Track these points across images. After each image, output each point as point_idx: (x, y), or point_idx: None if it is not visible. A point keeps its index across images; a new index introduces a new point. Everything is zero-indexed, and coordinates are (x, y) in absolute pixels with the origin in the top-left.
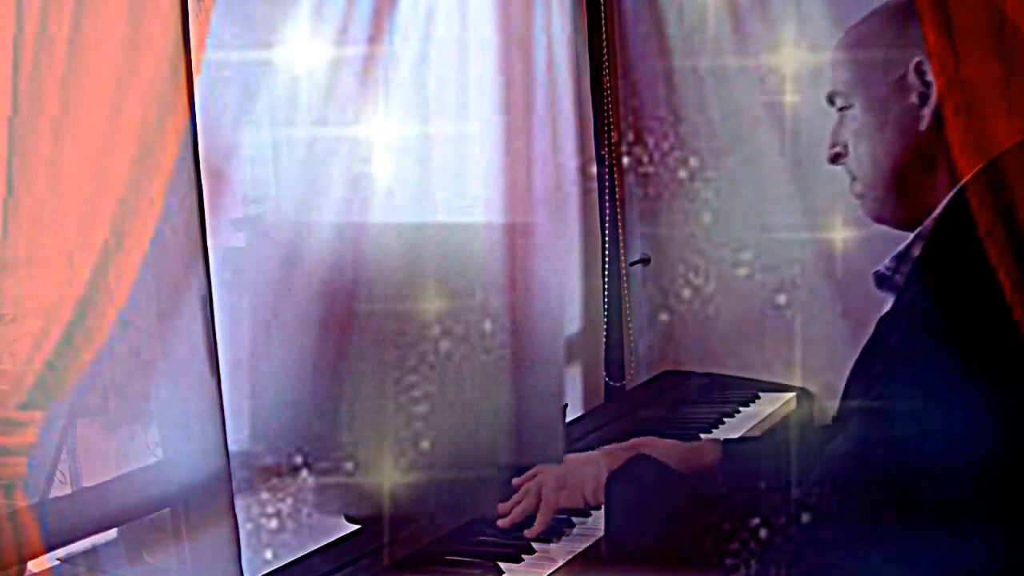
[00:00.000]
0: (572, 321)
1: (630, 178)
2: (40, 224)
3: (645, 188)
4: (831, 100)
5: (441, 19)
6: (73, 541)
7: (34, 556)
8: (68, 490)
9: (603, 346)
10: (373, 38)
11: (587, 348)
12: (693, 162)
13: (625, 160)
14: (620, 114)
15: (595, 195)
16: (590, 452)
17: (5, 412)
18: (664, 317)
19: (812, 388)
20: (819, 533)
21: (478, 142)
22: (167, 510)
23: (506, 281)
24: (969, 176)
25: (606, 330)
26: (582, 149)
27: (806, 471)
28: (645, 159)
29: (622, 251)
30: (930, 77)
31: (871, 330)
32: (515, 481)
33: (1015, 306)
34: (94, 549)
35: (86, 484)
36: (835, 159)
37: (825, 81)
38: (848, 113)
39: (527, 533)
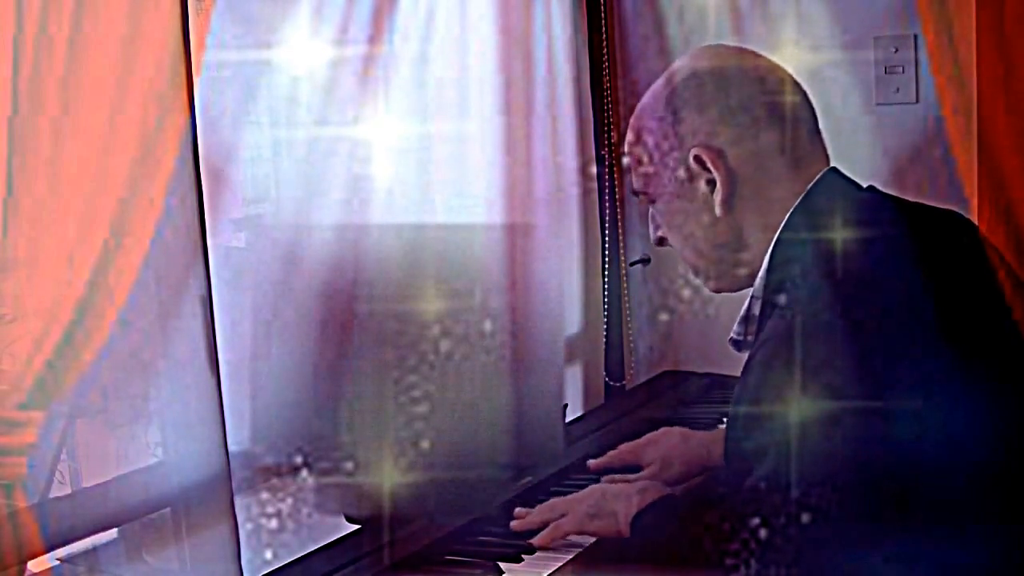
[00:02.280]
0: (572, 321)
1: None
2: (40, 224)
3: None
4: (635, 194)
5: (441, 19)
6: (73, 541)
7: (34, 556)
8: (68, 490)
9: (603, 346)
10: (373, 38)
11: (587, 348)
12: None
13: (625, 160)
14: (620, 114)
15: (595, 195)
16: (624, 485)
17: (5, 412)
18: (664, 317)
19: None
20: (819, 533)
21: (478, 142)
22: (167, 510)
23: (506, 281)
24: (778, 231)
25: (606, 330)
26: (582, 149)
27: (806, 471)
28: None
29: (622, 251)
30: (710, 166)
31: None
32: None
33: (1015, 306)
34: (94, 549)
35: (86, 484)
36: (660, 242)
37: (825, 81)
38: (654, 208)
39: (534, 541)
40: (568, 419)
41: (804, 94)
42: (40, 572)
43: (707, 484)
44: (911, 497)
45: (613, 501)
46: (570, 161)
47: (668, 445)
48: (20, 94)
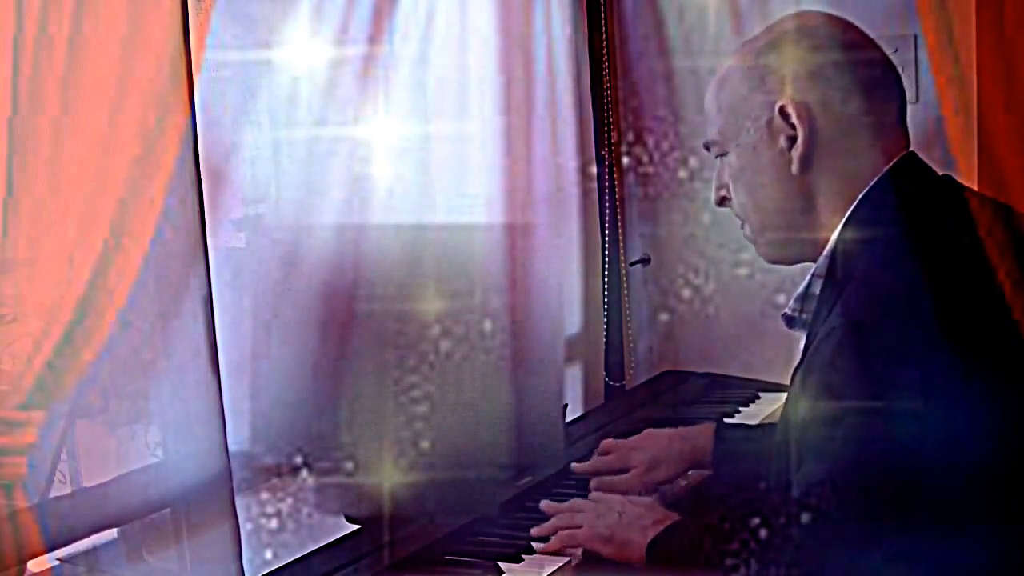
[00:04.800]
0: (572, 321)
1: (630, 178)
2: (40, 224)
3: (645, 188)
4: (707, 147)
5: (441, 19)
6: (73, 541)
7: (34, 556)
8: (68, 490)
9: (603, 346)
10: (373, 38)
11: (587, 348)
12: (693, 162)
13: (625, 160)
14: (620, 114)
15: (595, 195)
16: (639, 510)
17: (5, 412)
18: (664, 317)
19: None
20: (819, 533)
21: (478, 142)
22: (167, 510)
23: (506, 281)
24: (850, 211)
25: (606, 330)
26: (582, 149)
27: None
28: (645, 159)
29: (622, 251)
30: (794, 120)
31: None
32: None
33: (1015, 306)
34: (94, 549)
35: (86, 484)
36: (721, 202)
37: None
38: (725, 160)
39: (543, 548)
40: (568, 419)
41: (897, 76)
42: (40, 572)
43: (707, 484)
44: (911, 497)
45: (628, 529)
46: (570, 161)
47: (654, 447)
48: (20, 94)
